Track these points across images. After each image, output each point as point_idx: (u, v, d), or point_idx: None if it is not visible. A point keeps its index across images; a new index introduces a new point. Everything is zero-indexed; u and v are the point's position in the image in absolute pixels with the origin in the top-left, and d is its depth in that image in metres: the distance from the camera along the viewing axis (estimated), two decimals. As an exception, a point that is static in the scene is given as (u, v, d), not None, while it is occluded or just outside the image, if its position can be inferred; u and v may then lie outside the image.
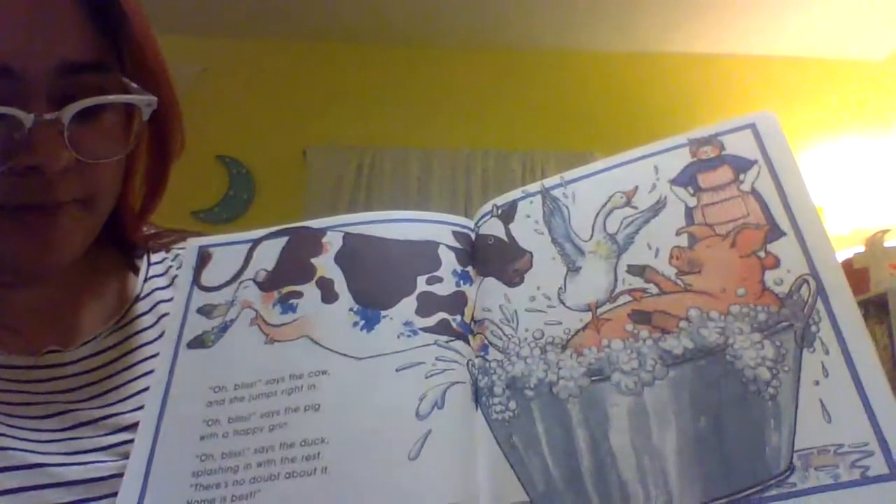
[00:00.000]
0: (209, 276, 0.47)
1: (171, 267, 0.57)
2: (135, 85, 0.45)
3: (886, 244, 2.38)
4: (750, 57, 2.96)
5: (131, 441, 0.44)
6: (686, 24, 2.79)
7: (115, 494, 0.41)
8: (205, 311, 0.45)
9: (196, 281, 0.47)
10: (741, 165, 0.41)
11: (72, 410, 0.45)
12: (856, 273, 2.30)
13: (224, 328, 0.44)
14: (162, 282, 0.55)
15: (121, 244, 0.55)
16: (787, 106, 2.88)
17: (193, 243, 0.49)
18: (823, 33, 2.81)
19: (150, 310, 0.53)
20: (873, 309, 2.25)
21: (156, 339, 0.51)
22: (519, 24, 2.81)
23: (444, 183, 2.78)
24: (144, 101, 0.45)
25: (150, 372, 0.49)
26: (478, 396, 0.39)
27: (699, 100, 2.89)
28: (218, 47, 2.87)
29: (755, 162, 0.40)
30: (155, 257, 0.57)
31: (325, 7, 2.72)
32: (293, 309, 0.44)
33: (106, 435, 0.45)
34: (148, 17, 0.46)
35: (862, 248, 2.41)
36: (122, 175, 0.48)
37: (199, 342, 0.44)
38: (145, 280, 0.55)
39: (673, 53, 2.97)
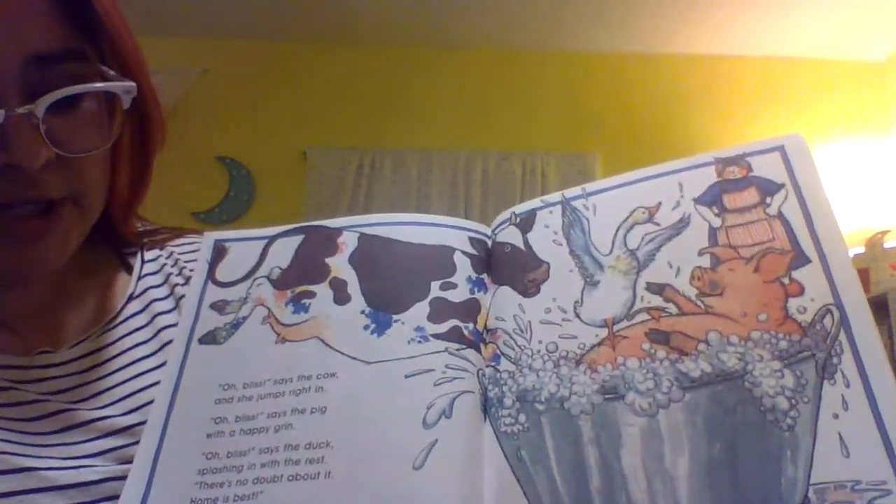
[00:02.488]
0: (224, 272, 0.47)
1: (165, 265, 0.56)
2: (113, 72, 0.43)
3: (886, 245, 2.38)
4: (751, 58, 2.94)
5: (123, 446, 0.44)
6: (687, 25, 2.78)
7: (108, 499, 0.40)
8: (218, 306, 0.45)
9: (211, 275, 0.47)
10: (768, 188, 0.40)
11: (65, 411, 0.44)
12: (856, 274, 2.28)
13: (236, 325, 0.44)
14: (155, 280, 0.54)
15: (112, 241, 0.54)
16: (788, 107, 2.87)
17: (210, 237, 0.48)
18: (824, 34, 2.80)
19: (144, 309, 0.52)
20: (873, 310, 2.22)
21: (149, 340, 0.50)
22: (519, 24, 2.81)
23: (443, 184, 2.77)
24: (122, 87, 0.43)
25: (144, 373, 0.48)
26: (487, 407, 0.39)
27: (700, 101, 2.88)
28: (218, 48, 2.88)
29: (783, 185, 0.40)
30: (149, 255, 0.56)
31: (325, 8, 2.72)
32: (305, 309, 0.43)
33: (98, 438, 0.44)
34: (141, 14, 0.45)
35: (862, 249, 2.40)
36: (108, 169, 0.47)
37: (210, 338, 0.44)
38: (139, 278, 0.54)
39: (674, 55, 2.95)
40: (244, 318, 0.44)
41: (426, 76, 2.93)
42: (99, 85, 0.42)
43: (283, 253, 0.47)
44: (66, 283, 0.49)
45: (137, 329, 0.51)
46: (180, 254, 0.57)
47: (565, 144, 2.83)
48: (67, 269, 0.47)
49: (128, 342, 0.50)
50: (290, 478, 0.37)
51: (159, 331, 0.51)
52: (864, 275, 2.32)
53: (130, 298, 0.52)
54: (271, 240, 0.48)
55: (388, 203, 2.70)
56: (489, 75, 2.94)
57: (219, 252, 0.48)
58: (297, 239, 0.47)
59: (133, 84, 0.43)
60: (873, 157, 2.80)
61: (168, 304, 0.53)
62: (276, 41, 2.90)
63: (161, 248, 0.57)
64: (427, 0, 2.67)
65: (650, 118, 2.82)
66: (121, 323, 0.51)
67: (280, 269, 0.46)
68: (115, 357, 0.49)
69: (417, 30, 2.85)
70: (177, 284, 0.54)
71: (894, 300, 2.19)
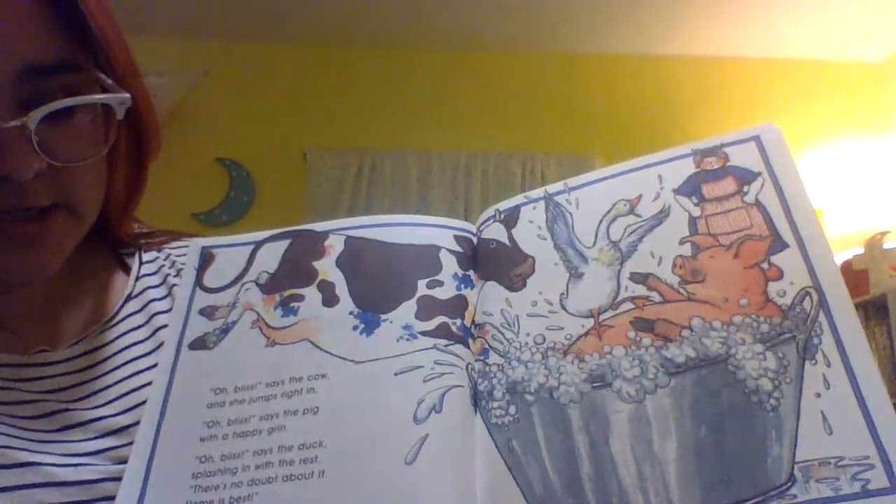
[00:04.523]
0: (212, 278, 0.47)
1: (162, 266, 0.56)
2: (110, 81, 0.43)
3: (886, 246, 2.40)
4: (750, 59, 2.98)
5: (120, 446, 0.44)
6: (687, 26, 2.81)
7: (106, 498, 0.40)
8: (206, 312, 0.45)
9: (198, 282, 0.47)
10: (745, 177, 0.41)
11: (62, 411, 0.44)
12: (855, 275, 2.30)
13: (225, 330, 0.44)
14: (153, 281, 0.55)
15: (110, 243, 0.55)
16: (788, 108, 2.90)
17: (196, 244, 0.49)
18: (823, 36, 2.83)
19: (141, 309, 0.52)
20: (873, 310, 2.26)
21: (146, 339, 0.51)
22: (519, 26, 2.83)
23: (443, 185, 2.79)
24: (115, 99, 0.43)
25: (141, 372, 0.48)
26: (477, 400, 0.39)
27: (700, 102, 2.91)
28: (219, 50, 2.88)
29: (759, 174, 0.41)
30: (146, 256, 0.56)
31: (325, 10, 2.73)
32: (294, 312, 0.44)
33: (95, 438, 0.44)
34: (141, 16, 0.45)
35: (861, 250, 2.42)
36: (104, 176, 0.47)
37: (200, 343, 0.44)
38: (137, 279, 0.54)
39: (674, 56, 2.98)
40: (233, 323, 0.44)
41: (426, 77, 2.94)
42: (93, 97, 0.42)
43: (271, 258, 0.47)
44: (63, 284, 0.50)
45: (135, 328, 0.51)
46: (177, 256, 0.57)
47: (565, 146, 2.85)
48: (65, 270, 0.47)
49: (125, 341, 0.50)
50: (285, 478, 0.37)
51: (156, 330, 0.51)
52: (863, 276, 2.32)
53: (129, 298, 0.52)
54: (258, 245, 0.48)
55: (388, 204, 2.71)
56: (489, 77, 2.95)
57: (206, 258, 0.48)
58: (284, 243, 0.48)
59: (127, 95, 0.43)
60: (873, 159, 2.82)
61: (166, 304, 0.53)
62: (276, 42, 2.90)
63: (158, 251, 0.57)
64: (427, 1, 2.68)
65: (650, 120, 2.83)
66: (118, 322, 0.51)
67: (268, 273, 0.46)
68: (112, 356, 0.49)
69: (417, 31, 2.86)
70: (174, 285, 0.55)
71: (894, 301, 2.21)
